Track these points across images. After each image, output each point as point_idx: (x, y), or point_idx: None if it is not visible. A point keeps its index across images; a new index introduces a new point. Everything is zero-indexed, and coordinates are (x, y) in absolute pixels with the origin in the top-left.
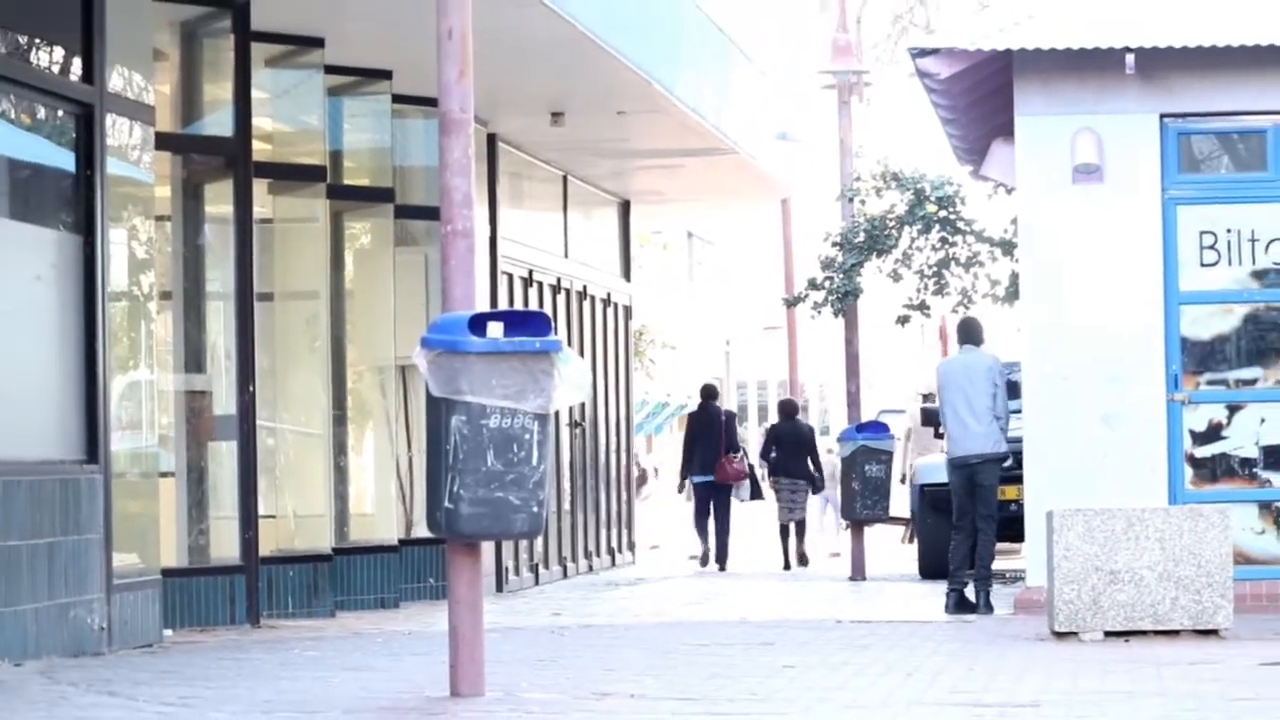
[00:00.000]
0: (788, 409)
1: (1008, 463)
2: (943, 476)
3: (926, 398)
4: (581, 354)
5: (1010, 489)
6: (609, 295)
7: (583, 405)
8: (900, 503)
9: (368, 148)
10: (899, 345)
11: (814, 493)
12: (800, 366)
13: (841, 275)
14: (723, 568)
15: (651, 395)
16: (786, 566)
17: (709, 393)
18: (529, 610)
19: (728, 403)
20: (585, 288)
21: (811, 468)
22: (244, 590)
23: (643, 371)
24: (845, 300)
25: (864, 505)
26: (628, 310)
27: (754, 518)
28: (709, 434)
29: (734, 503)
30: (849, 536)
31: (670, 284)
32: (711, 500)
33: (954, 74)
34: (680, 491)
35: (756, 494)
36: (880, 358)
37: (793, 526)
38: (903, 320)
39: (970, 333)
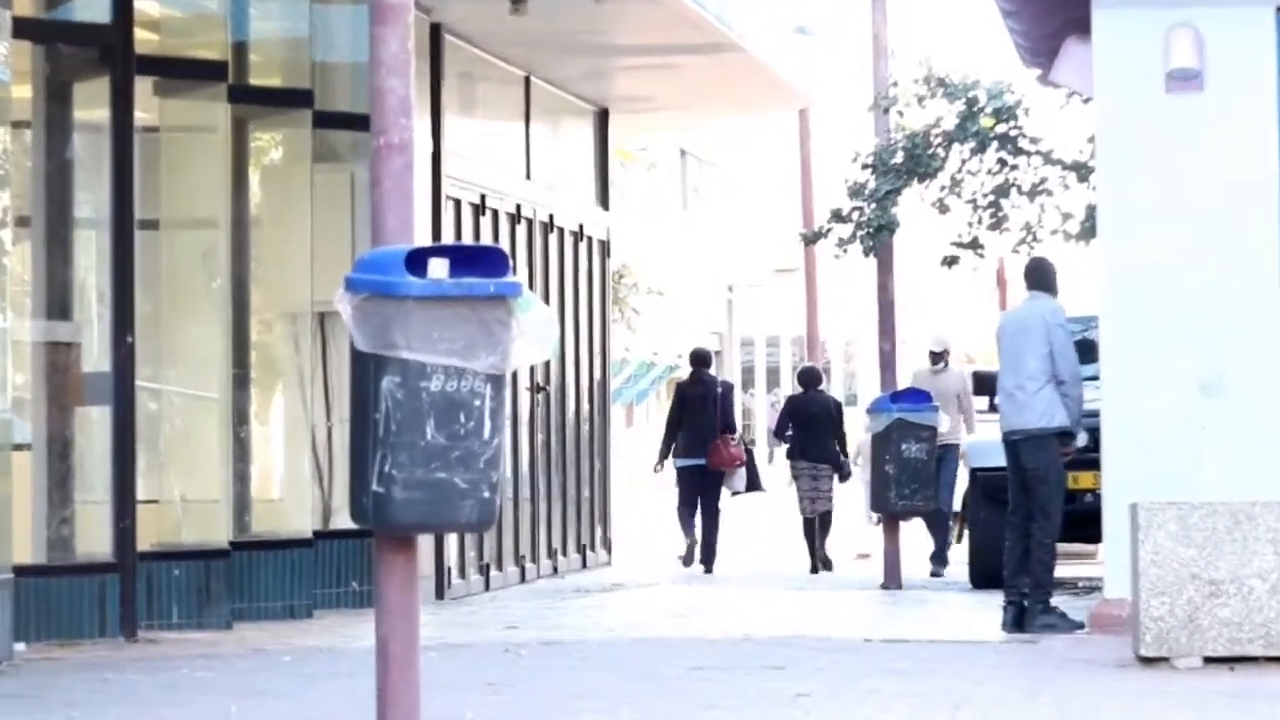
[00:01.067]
0: (808, 378)
1: (1082, 442)
2: (999, 458)
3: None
4: (546, 300)
5: (1084, 476)
6: (581, 228)
7: (547, 364)
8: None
9: (280, 39)
10: (945, 294)
11: (840, 480)
12: (821, 320)
13: (874, 205)
14: (709, 569)
15: (634, 353)
16: (814, 569)
17: (701, 359)
18: (478, 622)
19: (729, 366)
20: (552, 218)
21: (838, 450)
22: (117, 594)
23: (623, 323)
24: (878, 236)
25: (900, 495)
26: (605, 246)
27: (763, 510)
28: (701, 409)
29: (724, 495)
30: (880, 533)
31: (659, 214)
32: (699, 486)
33: None
34: (657, 471)
35: (754, 484)
36: (921, 309)
37: (817, 519)
38: (950, 262)
39: (1039, 277)
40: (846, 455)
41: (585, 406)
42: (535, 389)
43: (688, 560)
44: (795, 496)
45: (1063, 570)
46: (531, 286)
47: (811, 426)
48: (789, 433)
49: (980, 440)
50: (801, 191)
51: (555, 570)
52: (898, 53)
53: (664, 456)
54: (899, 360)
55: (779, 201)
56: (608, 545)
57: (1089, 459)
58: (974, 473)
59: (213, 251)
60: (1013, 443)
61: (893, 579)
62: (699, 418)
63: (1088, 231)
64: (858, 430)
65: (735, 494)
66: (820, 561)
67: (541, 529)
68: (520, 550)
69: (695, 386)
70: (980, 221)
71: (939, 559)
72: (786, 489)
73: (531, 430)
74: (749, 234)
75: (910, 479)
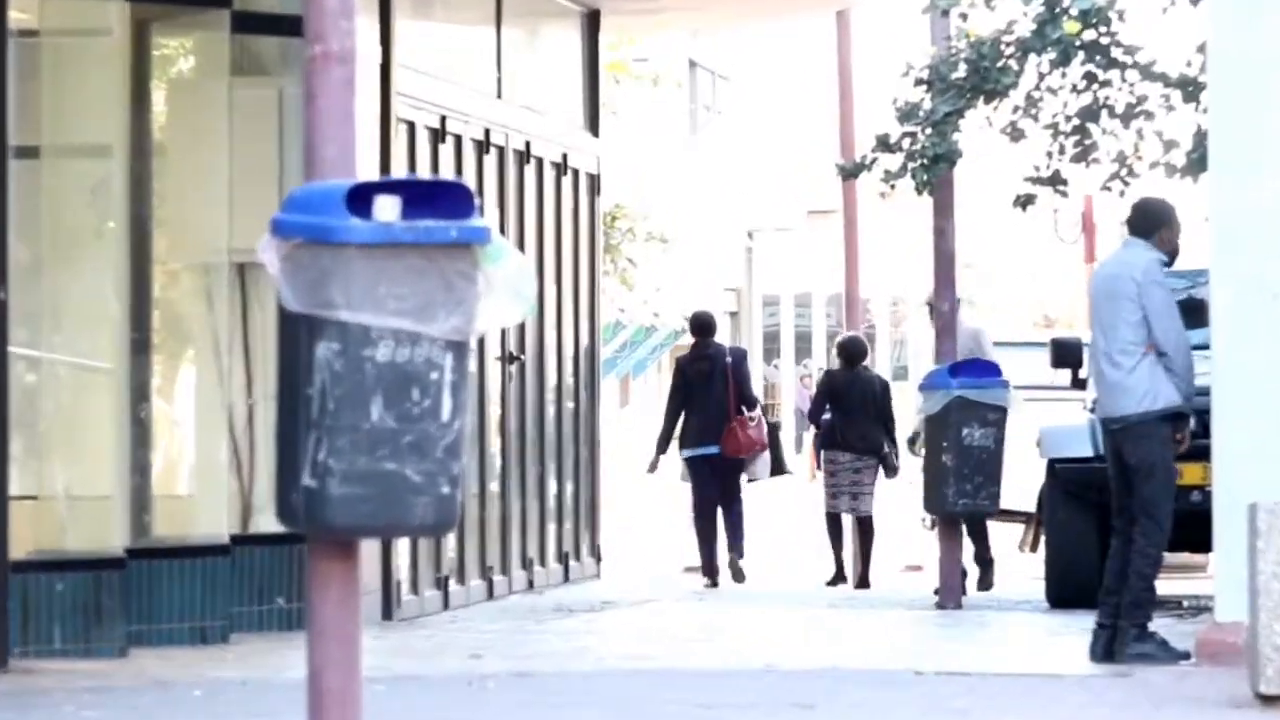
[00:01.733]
0: (852, 352)
1: (1190, 427)
2: (1082, 447)
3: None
4: (521, 248)
5: (1190, 468)
6: (565, 158)
7: (522, 328)
8: (1018, 489)
9: None
10: (1020, 240)
11: (887, 475)
12: (863, 274)
13: (930, 130)
14: (739, 578)
15: (630, 315)
16: (837, 579)
17: (702, 325)
18: (434, 649)
19: (749, 330)
20: (528, 146)
21: (885, 440)
22: None
23: (617, 277)
24: (936, 168)
25: (961, 492)
26: (594, 181)
27: (788, 502)
28: (708, 387)
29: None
30: (934, 539)
31: (662, 143)
32: (717, 484)
33: None
34: (652, 470)
35: (778, 469)
36: (990, 259)
37: (855, 524)
38: (1024, 202)
39: (1138, 219)
40: (895, 445)
41: (569, 381)
42: (507, 359)
43: (712, 576)
44: (823, 492)
45: (1163, 586)
46: (503, 230)
47: (853, 411)
48: (826, 417)
49: (1059, 426)
50: (840, 114)
51: (531, 584)
52: None
53: (662, 449)
54: (960, 325)
55: (811, 126)
56: (597, 553)
57: (1196, 448)
58: (1052, 465)
59: (105, 185)
60: (1111, 432)
61: (950, 596)
62: (706, 397)
63: (1196, 164)
64: (908, 412)
65: (752, 481)
66: (858, 579)
67: (514, 533)
68: (488, 560)
69: (699, 361)
70: (1062, 151)
71: (985, 566)
72: (810, 483)
73: (503, 411)
74: (774, 167)
75: (974, 471)
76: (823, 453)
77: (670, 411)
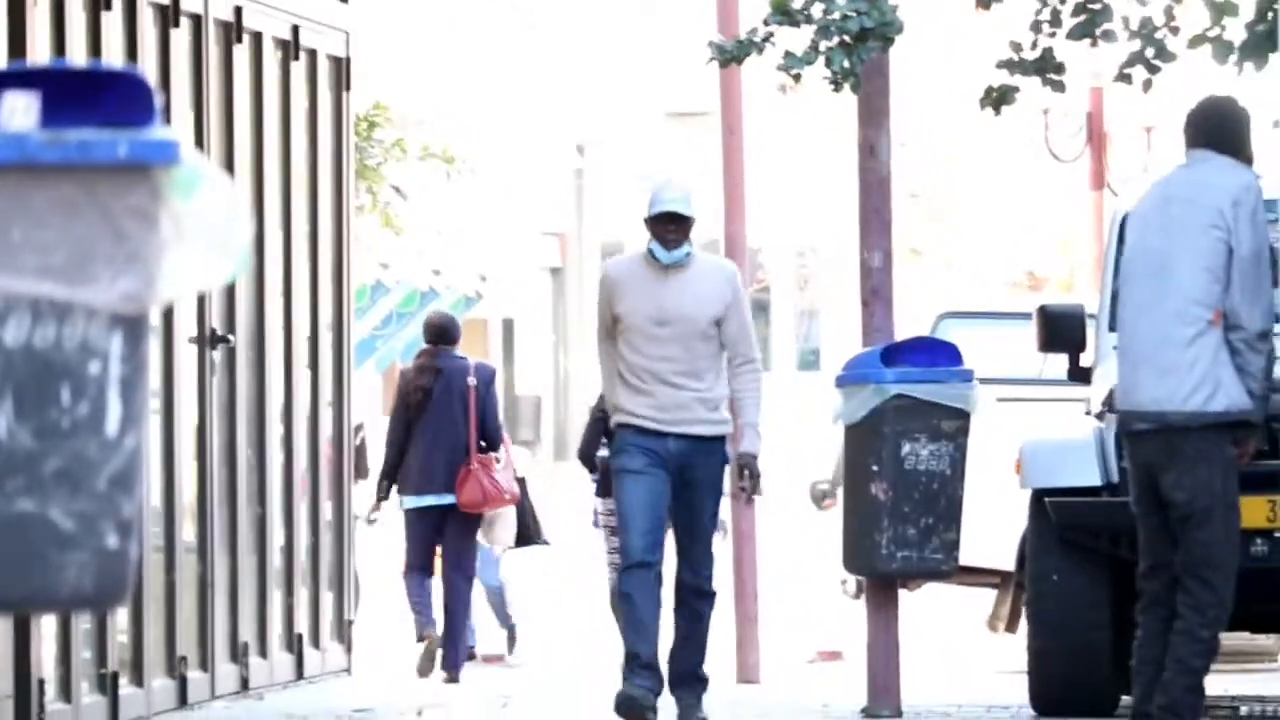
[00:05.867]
0: (446, 330)
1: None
2: (1085, 472)
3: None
4: (228, 171)
5: (1251, 503)
6: (296, 35)
7: (230, 294)
8: (988, 537)
9: None
10: (991, 160)
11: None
12: (751, 210)
13: None
14: (452, 676)
15: (399, 273)
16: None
17: (440, 332)
18: None
19: (582, 295)
20: (239, 14)
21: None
22: None
23: (377, 215)
24: (862, 49)
25: (899, 540)
26: (341, 70)
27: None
28: (441, 415)
29: (484, 550)
30: (861, 613)
31: (449, 12)
32: (445, 542)
33: None
34: (371, 520)
35: (526, 535)
36: (946, 189)
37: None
38: (999, 99)
39: (1214, 126)
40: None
41: (305, 374)
42: (208, 342)
43: (429, 658)
44: (605, 562)
45: (1213, 683)
46: (200, 146)
47: None
48: (603, 453)
49: (1049, 440)
50: None
51: (245, 684)
52: None
53: (383, 494)
54: (899, 288)
55: None
56: (346, 637)
57: (1255, 473)
58: (1039, 500)
59: None
60: (1140, 438)
61: (884, 699)
62: (435, 427)
63: (1262, 42)
64: (818, 427)
65: (500, 554)
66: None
67: (220, 608)
68: (178, 647)
69: (426, 376)
70: (1056, 22)
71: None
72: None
73: (201, 420)
74: (616, 48)
75: (920, 509)
76: (600, 504)
77: (393, 440)
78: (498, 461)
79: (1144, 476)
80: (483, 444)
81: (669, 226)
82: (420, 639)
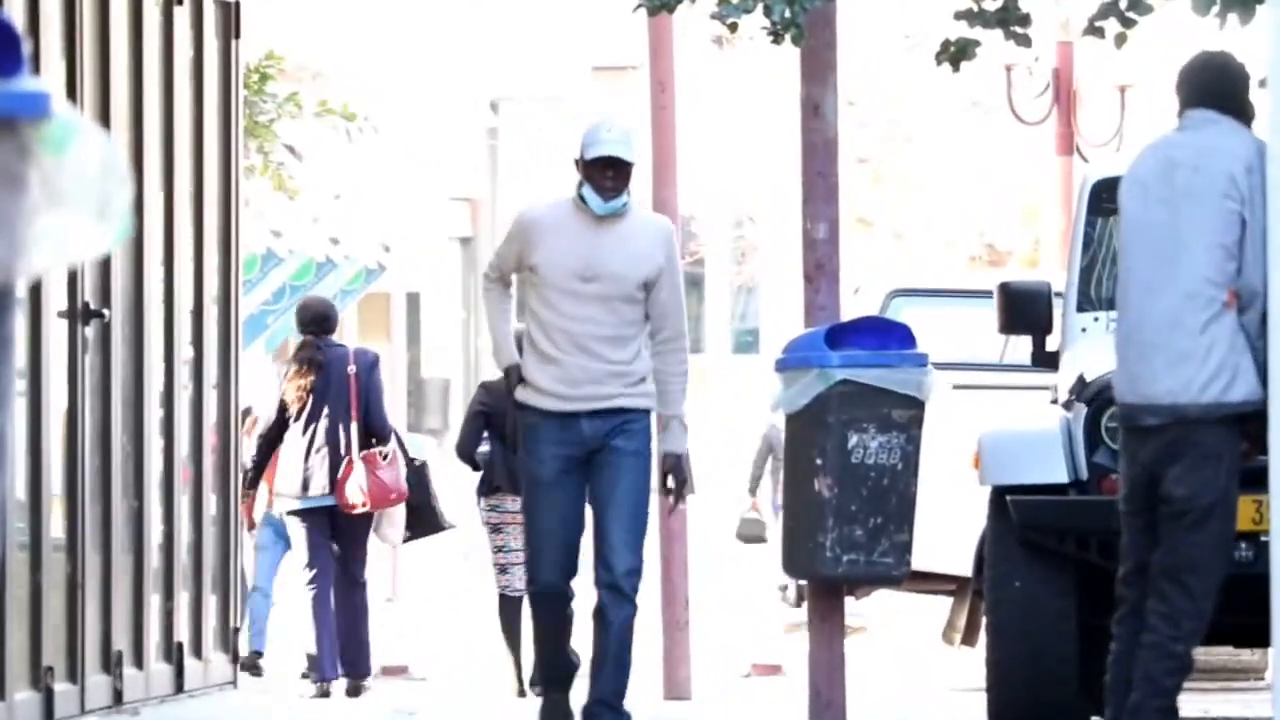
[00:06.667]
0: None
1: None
2: (1051, 467)
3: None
4: (104, 126)
5: (1246, 502)
6: None
7: (106, 264)
8: (942, 539)
9: None
10: (948, 121)
11: None
12: (683, 174)
13: None
14: (355, 689)
15: (292, 242)
16: (522, 692)
17: (315, 318)
18: None
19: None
20: None
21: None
22: None
23: (269, 178)
24: (803, 0)
25: (845, 542)
26: (229, 14)
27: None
28: (323, 408)
29: (377, 548)
30: (802, 623)
31: None
32: (330, 546)
33: None
34: (251, 529)
35: (429, 523)
36: (897, 153)
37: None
38: (957, 55)
39: (1227, 83)
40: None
41: (188, 352)
42: (81, 316)
43: (318, 679)
44: (491, 564)
45: (1190, 704)
46: (73, 98)
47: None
48: (484, 448)
49: (1010, 432)
50: None
51: (118, 697)
52: None
53: (251, 486)
54: (846, 262)
55: None
56: (231, 646)
57: (1243, 470)
58: (999, 499)
59: None
60: (1144, 433)
61: (828, 715)
62: (314, 423)
63: None
64: (755, 412)
65: (395, 546)
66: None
67: (91, 612)
68: (43, 657)
69: (311, 372)
70: None
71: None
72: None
73: (72, 403)
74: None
75: (868, 508)
76: (483, 502)
77: (266, 437)
78: (383, 457)
79: (1143, 473)
80: (370, 437)
81: (607, 172)
82: (316, 684)
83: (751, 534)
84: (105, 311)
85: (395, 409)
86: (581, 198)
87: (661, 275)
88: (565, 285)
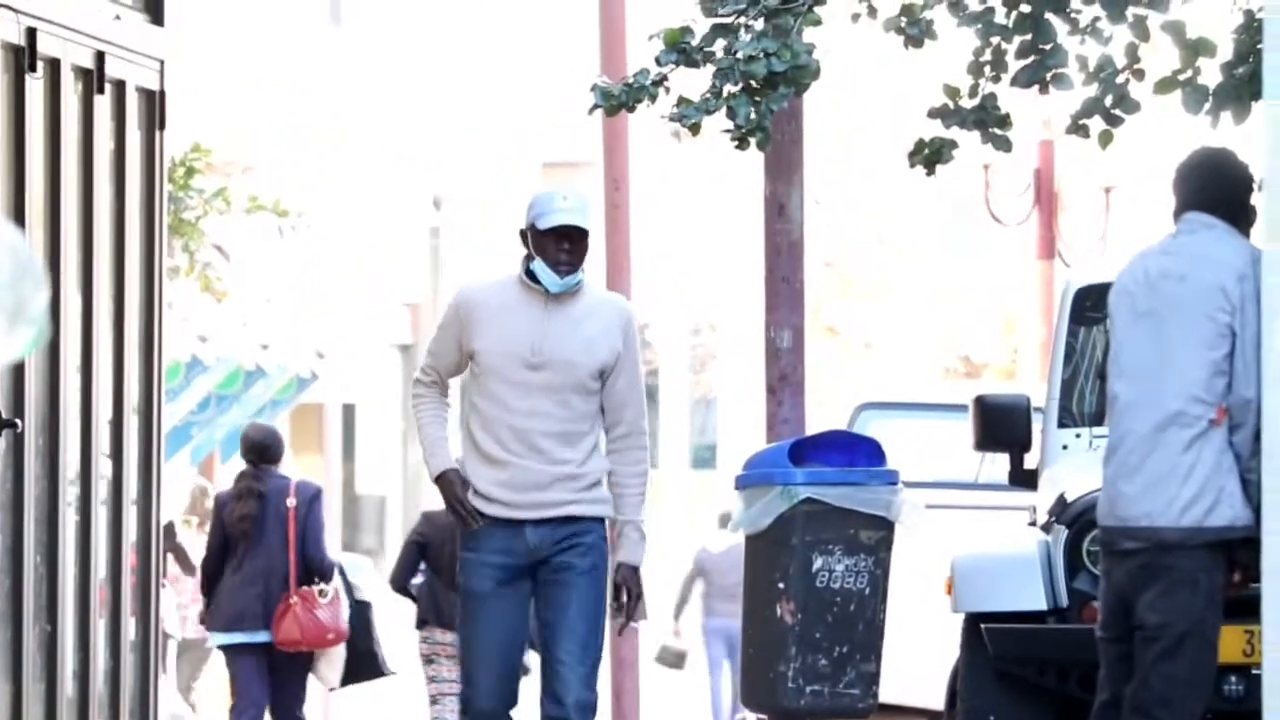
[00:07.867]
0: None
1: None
2: (1028, 594)
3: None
4: (20, 224)
5: (1236, 632)
6: (101, 62)
7: (19, 372)
8: (913, 671)
9: None
10: (921, 224)
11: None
12: (637, 275)
13: (763, 24)
14: None
15: (220, 347)
16: None
17: (261, 450)
18: None
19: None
20: (32, 36)
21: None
22: None
23: (195, 278)
24: (770, 97)
25: (808, 672)
26: (154, 105)
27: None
28: (259, 543)
29: (314, 690)
30: None
31: (286, 36)
32: (266, 690)
33: None
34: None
35: (363, 670)
36: (867, 258)
37: None
38: (932, 156)
39: (1227, 184)
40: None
41: (105, 467)
42: None
43: None
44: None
45: None
46: None
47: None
48: (419, 579)
49: (985, 555)
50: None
51: None
52: None
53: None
54: (812, 373)
55: (552, 21)
56: None
57: (1233, 599)
58: (973, 627)
59: None
60: (1120, 556)
61: None
62: (254, 556)
63: (1240, 88)
64: (712, 531)
65: (332, 689)
66: None
67: None
68: None
69: (250, 503)
70: (999, 65)
71: None
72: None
73: None
74: (480, 88)
75: (832, 636)
76: (420, 634)
77: (209, 565)
78: (321, 595)
79: (1118, 598)
80: (308, 571)
81: (563, 244)
82: None
83: (670, 660)
84: (18, 421)
85: (329, 528)
86: (530, 274)
87: (619, 362)
88: (509, 374)
